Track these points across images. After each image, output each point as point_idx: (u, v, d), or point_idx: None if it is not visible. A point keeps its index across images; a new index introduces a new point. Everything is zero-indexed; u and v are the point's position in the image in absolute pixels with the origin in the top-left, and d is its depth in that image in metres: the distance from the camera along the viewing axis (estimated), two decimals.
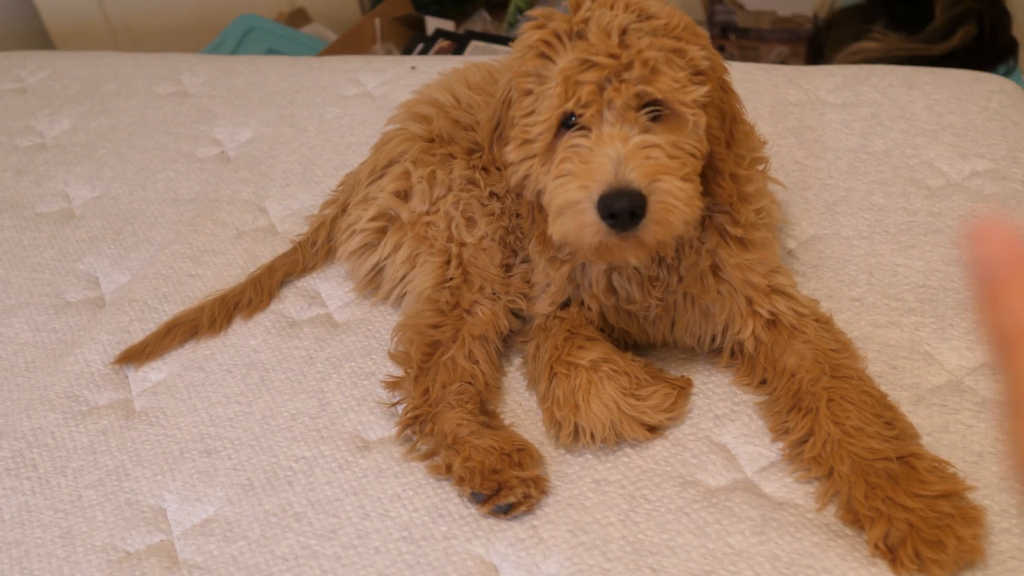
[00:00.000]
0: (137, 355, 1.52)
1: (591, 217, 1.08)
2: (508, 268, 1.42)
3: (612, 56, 1.09)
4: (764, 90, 1.90)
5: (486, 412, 1.31)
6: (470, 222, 1.44)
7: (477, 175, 1.46)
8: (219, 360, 1.50)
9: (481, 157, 1.48)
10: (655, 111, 1.11)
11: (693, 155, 1.13)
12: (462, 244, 1.43)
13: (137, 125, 2.13)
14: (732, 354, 1.32)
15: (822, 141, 1.73)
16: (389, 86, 2.13)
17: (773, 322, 1.28)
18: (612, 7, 1.11)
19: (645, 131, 1.10)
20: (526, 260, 1.42)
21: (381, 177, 1.55)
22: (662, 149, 1.09)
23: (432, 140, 1.52)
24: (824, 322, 1.30)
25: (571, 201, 1.09)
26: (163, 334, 1.53)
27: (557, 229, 1.13)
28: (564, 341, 1.28)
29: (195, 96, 2.21)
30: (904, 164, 1.65)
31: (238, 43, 3.06)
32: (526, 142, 1.16)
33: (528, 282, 1.41)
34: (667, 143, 1.10)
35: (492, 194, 1.45)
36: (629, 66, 1.08)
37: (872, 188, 1.60)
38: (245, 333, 1.54)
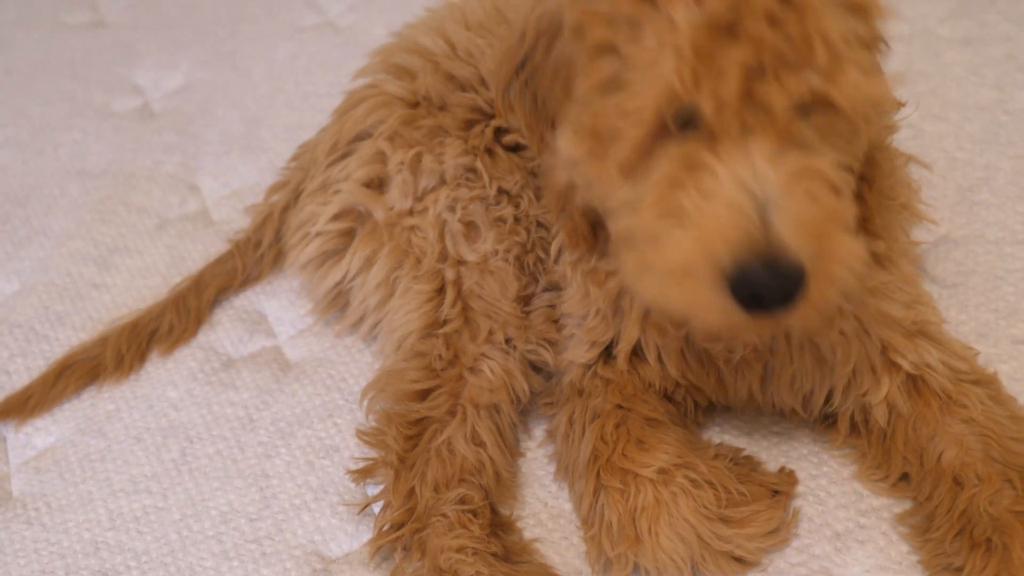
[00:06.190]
0: (19, 408, 1.15)
1: (716, 299, 0.67)
2: (527, 301, 0.99)
3: (773, 23, 0.65)
4: None
5: (498, 523, 0.90)
6: (471, 231, 1.01)
7: (479, 163, 1.03)
8: (126, 420, 1.09)
9: (484, 132, 1.05)
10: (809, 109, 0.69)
11: (850, 170, 0.72)
12: (460, 263, 1.01)
13: (39, 66, 1.78)
14: (853, 426, 0.92)
15: (942, 94, 1.31)
16: (359, 13, 1.76)
17: (915, 382, 0.88)
18: None
19: (802, 147, 0.68)
20: (552, 288, 1.00)
21: (346, 156, 1.13)
22: (825, 179, 0.68)
23: (416, 105, 1.10)
24: (988, 385, 0.90)
25: (684, 267, 0.67)
26: (53, 379, 1.16)
27: (651, 290, 0.71)
28: (615, 429, 0.87)
29: (113, 27, 1.85)
30: None
31: None
32: (600, 138, 0.72)
33: (555, 321, 0.98)
34: (829, 165, 0.69)
35: (502, 191, 1.02)
36: (803, 47, 0.65)
37: (1021, 166, 1.18)
38: (163, 378, 1.13)
